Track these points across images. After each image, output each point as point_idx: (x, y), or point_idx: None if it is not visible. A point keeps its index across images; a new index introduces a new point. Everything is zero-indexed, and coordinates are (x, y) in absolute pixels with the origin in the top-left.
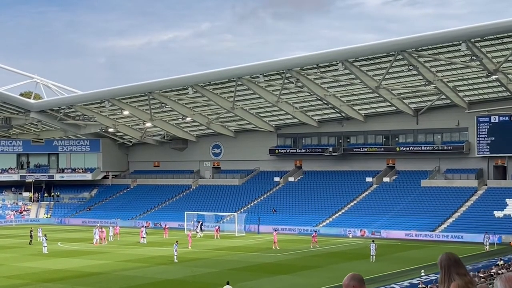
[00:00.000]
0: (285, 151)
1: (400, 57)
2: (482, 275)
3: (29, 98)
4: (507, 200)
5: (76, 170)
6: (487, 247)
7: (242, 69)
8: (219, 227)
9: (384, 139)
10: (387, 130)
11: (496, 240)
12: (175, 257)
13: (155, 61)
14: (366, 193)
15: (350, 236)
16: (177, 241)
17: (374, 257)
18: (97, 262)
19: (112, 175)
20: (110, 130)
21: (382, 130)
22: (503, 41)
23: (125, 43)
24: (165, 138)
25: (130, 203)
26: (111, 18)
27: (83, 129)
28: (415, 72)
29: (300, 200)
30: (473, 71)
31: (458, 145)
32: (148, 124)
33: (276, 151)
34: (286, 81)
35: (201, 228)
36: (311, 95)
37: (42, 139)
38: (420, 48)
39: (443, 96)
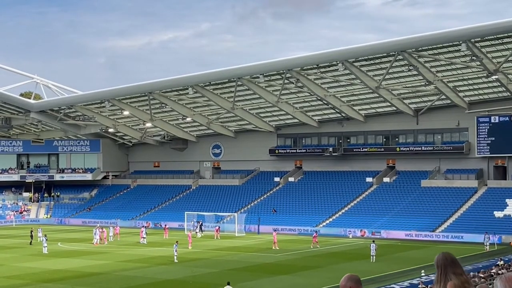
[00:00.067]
0: (285, 151)
1: (400, 57)
2: (482, 275)
3: (29, 98)
4: (507, 200)
5: (76, 170)
6: (487, 247)
7: (242, 69)
8: (219, 227)
9: (384, 139)
10: (387, 130)
11: (496, 240)
12: (175, 257)
13: (155, 61)
14: (366, 193)
15: (350, 236)
16: (177, 241)
17: (374, 257)
18: (97, 262)
19: (112, 175)
20: (110, 130)
21: (382, 130)
22: (503, 41)
23: (125, 43)
24: (165, 138)
25: (130, 203)
26: (111, 18)
27: (83, 129)
28: (415, 72)
29: (300, 201)
30: (473, 71)
31: (458, 145)
32: (148, 124)
33: (276, 151)
34: (286, 81)
35: (201, 228)
36: (311, 95)
37: (42, 139)
38: (420, 48)
39: (443, 96)
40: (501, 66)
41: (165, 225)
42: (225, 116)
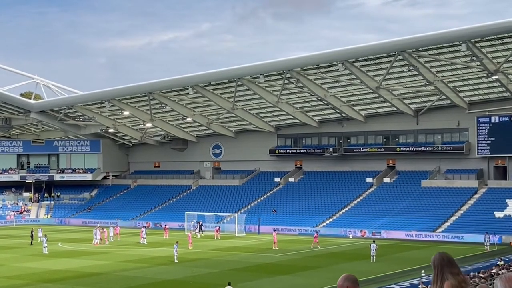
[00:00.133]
0: (285, 151)
1: (400, 57)
2: (482, 276)
3: (30, 98)
4: (507, 200)
5: (77, 170)
6: (488, 247)
7: (242, 70)
8: (219, 227)
9: (385, 140)
10: (388, 131)
11: (496, 241)
12: (175, 257)
13: (156, 62)
14: (367, 193)
15: (351, 237)
16: (177, 242)
17: (374, 257)
18: (97, 262)
19: (113, 176)
20: (111, 130)
21: (382, 130)
22: (503, 42)
23: (126, 43)
24: (166, 139)
25: (131, 204)
26: (112, 18)
27: (84, 129)
28: (415, 73)
29: (300, 201)
30: (473, 72)
31: (459, 145)
32: (149, 125)
33: (277, 151)
34: (286, 81)
35: (200, 228)
36: (312, 95)
37: (42, 140)
38: (420, 49)
39: (444, 97)
40: (501, 66)
41: (165, 225)
42: (225, 116)
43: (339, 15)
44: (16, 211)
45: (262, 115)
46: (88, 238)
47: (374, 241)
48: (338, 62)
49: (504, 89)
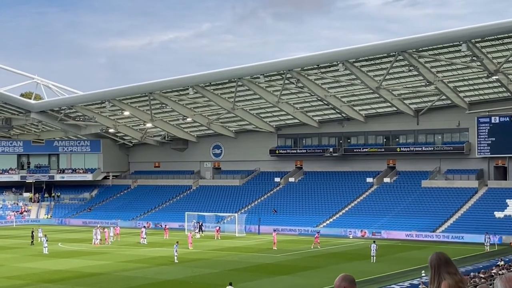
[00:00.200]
0: (285, 151)
1: (400, 57)
2: (482, 276)
3: (30, 98)
4: (507, 200)
5: (77, 170)
6: (488, 247)
7: (242, 70)
8: (219, 227)
9: (385, 140)
10: (388, 131)
11: (496, 241)
12: (176, 257)
13: (156, 62)
14: (367, 193)
15: (351, 237)
16: (177, 242)
17: (374, 257)
18: (97, 262)
19: (113, 176)
20: (111, 130)
21: (382, 130)
22: (503, 42)
23: (126, 43)
24: (166, 139)
25: (131, 204)
26: (112, 18)
27: (84, 129)
28: (415, 73)
29: (300, 201)
30: (473, 72)
31: (459, 145)
32: (149, 125)
33: (277, 151)
34: (286, 81)
35: (200, 228)
36: (312, 95)
37: (42, 140)
38: (420, 49)
39: (444, 97)
40: (502, 67)
41: (166, 225)
42: (225, 116)
43: (339, 15)
44: (16, 211)
45: (262, 115)
46: (88, 238)
47: (374, 241)
48: (338, 62)
49: (504, 89)
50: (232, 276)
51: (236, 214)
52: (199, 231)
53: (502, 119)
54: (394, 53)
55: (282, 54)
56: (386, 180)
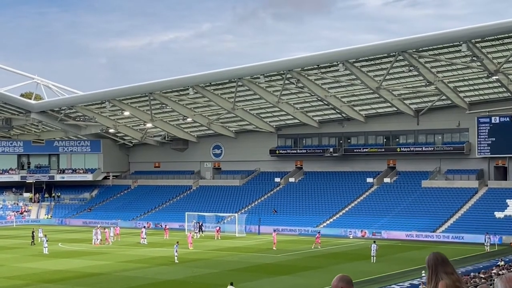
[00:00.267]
0: (285, 151)
1: (400, 57)
2: (482, 276)
3: (30, 98)
4: (507, 200)
5: (77, 170)
6: (488, 247)
7: (242, 70)
8: (219, 227)
9: (385, 140)
10: (388, 131)
11: (496, 241)
12: (176, 257)
13: (156, 62)
14: (367, 193)
15: (351, 237)
16: (177, 242)
17: (374, 257)
18: (97, 262)
19: (113, 176)
20: (111, 130)
21: (382, 130)
22: (503, 42)
23: (126, 43)
24: (166, 139)
25: (131, 204)
26: (112, 18)
27: (84, 129)
28: (415, 73)
29: (300, 201)
30: (473, 72)
31: (459, 145)
32: (149, 125)
33: (277, 151)
34: (286, 81)
35: (200, 228)
36: (312, 95)
37: (42, 140)
38: (420, 49)
39: (444, 97)
40: (502, 67)
41: (166, 225)
42: (225, 116)
43: (339, 16)
44: (16, 211)
45: (263, 115)
46: (88, 238)
47: (374, 241)
48: (338, 63)
49: (505, 90)
50: (232, 276)
51: (236, 214)
52: (199, 231)
53: (502, 119)
54: (394, 53)
55: (282, 54)
56: (386, 180)
